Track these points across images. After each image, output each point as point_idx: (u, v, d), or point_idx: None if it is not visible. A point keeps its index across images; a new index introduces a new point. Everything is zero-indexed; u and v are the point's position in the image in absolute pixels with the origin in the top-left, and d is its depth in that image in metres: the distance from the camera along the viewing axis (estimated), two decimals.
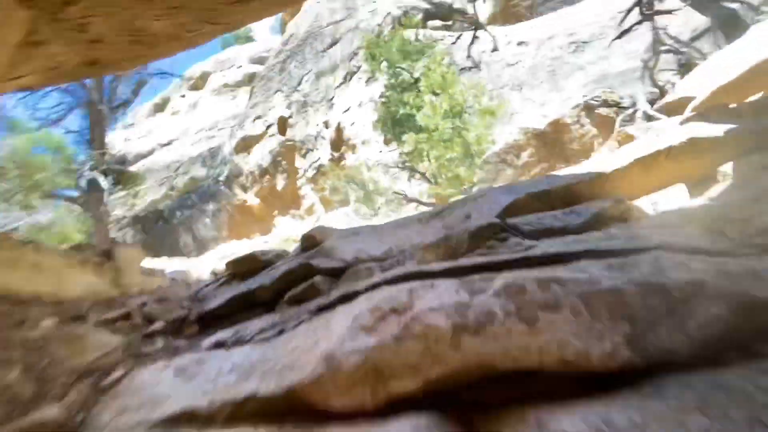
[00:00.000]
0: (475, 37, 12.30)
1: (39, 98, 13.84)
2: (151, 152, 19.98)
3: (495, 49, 12.02)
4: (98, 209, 11.61)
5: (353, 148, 12.80)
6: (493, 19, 16.82)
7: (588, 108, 4.66)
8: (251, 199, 14.31)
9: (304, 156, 13.95)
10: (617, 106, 4.61)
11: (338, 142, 13.35)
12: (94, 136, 13.22)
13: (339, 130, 13.24)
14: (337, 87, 13.56)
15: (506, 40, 12.40)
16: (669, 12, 9.93)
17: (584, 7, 12.70)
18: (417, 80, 8.55)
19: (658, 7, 10.29)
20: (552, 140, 4.78)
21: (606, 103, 4.62)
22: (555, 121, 4.74)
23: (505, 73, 11.48)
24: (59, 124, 12.30)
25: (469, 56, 11.75)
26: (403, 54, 8.05)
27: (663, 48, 10.03)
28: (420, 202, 9.41)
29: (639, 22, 10.47)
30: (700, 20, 9.84)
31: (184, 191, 16.91)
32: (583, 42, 11.53)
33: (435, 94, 5.87)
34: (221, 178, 14.92)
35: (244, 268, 2.46)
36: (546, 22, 12.86)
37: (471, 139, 5.93)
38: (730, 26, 9.03)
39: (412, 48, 8.25)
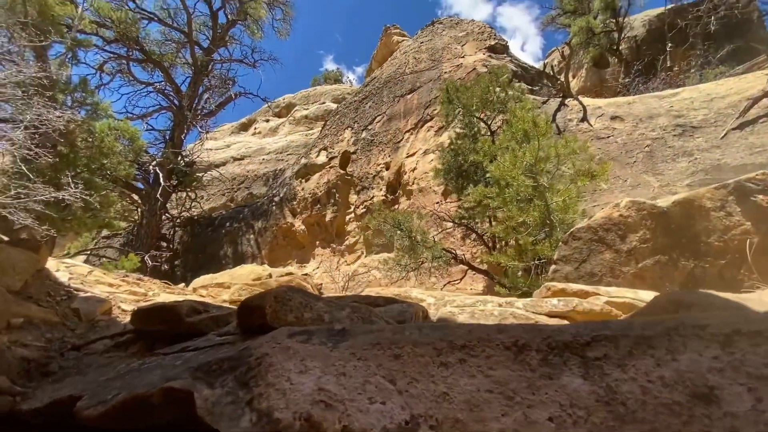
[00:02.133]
0: (562, 104, 11.16)
1: (140, 96, 14.75)
2: (223, 164, 20.63)
3: (584, 119, 10.73)
4: (152, 202, 11.53)
5: (409, 194, 11.81)
6: (583, 91, 15.70)
7: (740, 192, 3.16)
8: (298, 224, 13.69)
9: (358, 193, 13.21)
10: None
11: (395, 185, 12.47)
12: (173, 137, 13.61)
13: (399, 173, 12.41)
14: (407, 131, 12.92)
15: (598, 112, 11.09)
16: None
17: (695, 90, 11.10)
18: (493, 133, 7.44)
19: None
20: (679, 226, 3.30)
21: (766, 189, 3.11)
22: (687, 201, 3.28)
23: (593, 146, 10.07)
24: (145, 120, 12.77)
25: (553, 121, 10.56)
26: (483, 103, 7.05)
27: None
28: (471, 267, 7.95)
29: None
30: None
31: (241, 205, 16.89)
32: (693, 127, 9.91)
33: (518, 142, 4.72)
34: (276, 199, 14.59)
35: (154, 325, 1.32)
36: (647, 101, 11.39)
37: (554, 205, 4.59)
38: None
39: (495, 98, 7.23)
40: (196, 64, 13.59)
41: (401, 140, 12.99)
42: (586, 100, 11.36)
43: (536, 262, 4.72)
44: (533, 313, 1.90)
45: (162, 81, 13.48)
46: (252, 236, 13.96)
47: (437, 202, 10.82)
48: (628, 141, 10.27)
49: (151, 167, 11.34)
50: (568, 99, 11.44)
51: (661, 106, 10.63)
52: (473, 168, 7.20)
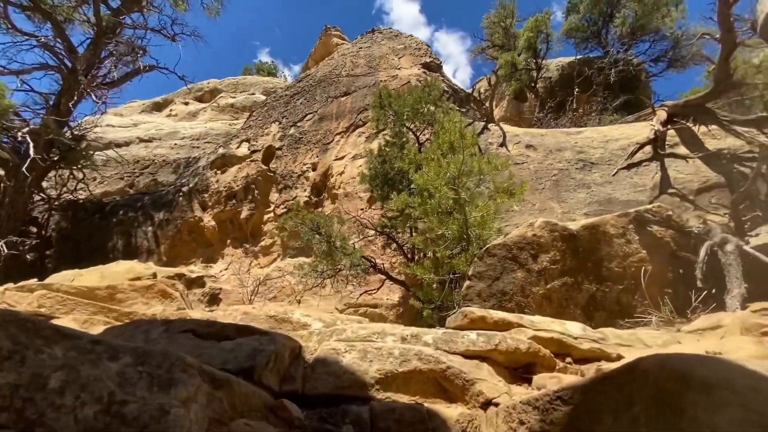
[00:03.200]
0: (485, 128, 11.71)
1: (20, 49, 12.17)
2: (127, 144, 18.05)
3: (503, 144, 11.36)
4: (19, 177, 9.44)
5: (335, 197, 11.35)
6: (503, 120, 16.84)
7: (639, 221, 3.30)
8: (207, 219, 12.34)
9: (280, 191, 12.37)
10: (679, 230, 3.30)
11: (320, 187, 11.91)
12: (58, 104, 11.43)
13: (326, 175, 11.89)
14: (338, 134, 12.48)
15: (515, 139, 11.84)
16: (683, 158, 9.50)
17: (595, 131, 12.42)
18: (421, 144, 7.36)
19: (671, 150, 9.92)
20: (586, 250, 3.35)
21: (666, 221, 3.31)
22: (594, 226, 3.35)
23: (511, 168, 10.67)
24: (21, 76, 10.54)
25: (476, 145, 10.99)
26: (414, 113, 6.94)
27: (671, 190, 9.47)
28: (388, 276, 7.72)
29: (649, 160, 10.04)
30: (711, 174, 9.37)
31: (141, 192, 14.79)
32: (591, 162, 11.00)
33: (443, 153, 4.61)
34: (185, 189, 13.02)
35: None
36: (556, 135, 12.45)
37: (473, 220, 4.53)
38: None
39: (425, 111, 7.17)
40: (99, 24, 11.63)
41: (331, 142, 12.51)
42: (506, 127, 12.06)
43: (452, 276, 4.60)
44: (446, 352, 1.56)
45: (51, 36, 11.28)
46: (150, 228, 12.22)
47: (362, 209, 10.52)
48: (539, 169, 11.07)
49: (20, 134, 9.27)
50: (491, 124, 12.04)
51: (567, 141, 11.68)
52: (399, 176, 7.02)
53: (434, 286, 4.98)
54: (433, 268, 4.77)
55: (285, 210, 11.74)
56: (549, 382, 1.45)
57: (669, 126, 10.26)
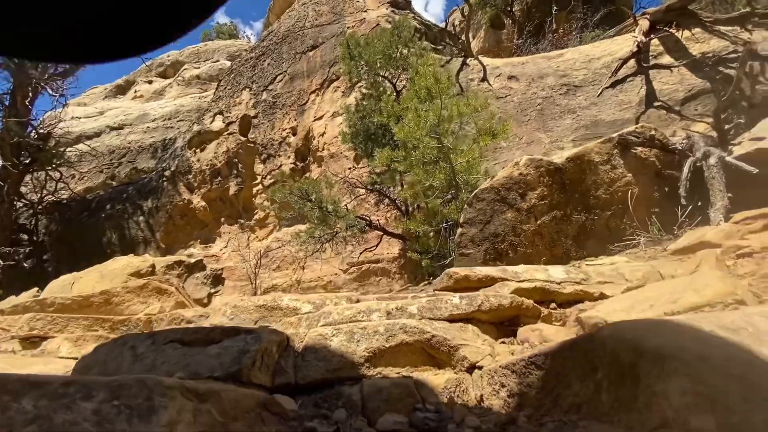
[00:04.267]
0: (464, 64, 11.21)
1: None
2: (97, 134, 17.31)
3: (484, 79, 10.95)
4: None
5: (320, 160, 11.15)
6: (482, 52, 16.12)
7: (623, 145, 3.26)
8: (197, 200, 12.18)
9: (264, 161, 12.11)
10: (663, 148, 3.27)
11: (304, 152, 11.65)
12: (14, 103, 10.79)
13: (307, 138, 11.58)
14: (312, 92, 11.96)
15: (496, 72, 11.39)
16: (668, 67, 9.22)
17: (577, 51, 11.93)
18: (399, 93, 7.08)
19: (655, 62, 9.60)
20: (572, 181, 3.34)
21: (649, 141, 3.27)
22: (578, 157, 3.32)
23: (493, 105, 10.39)
24: None
25: (456, 82, 10.60)
26: (387, 60, 6.59)
27: (656, 104, 9.30)
28: (385, 232, 7.80)
29: (634, 74, 9.75)
30: (696, 81, 9.15)
31: (124, 182, 14.44)
32: (575, 86, 10.69)
33: (421, 101, 4.43)
34: (167, 173, 12.71)
35: None
36: (537, 61, 11.98)
37: (459, 166, 4.47)
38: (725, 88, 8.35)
39: (398, 55, 6.80)
40: None
41: (307, 102, 12.03)
42: (486, 60, 11.55)
43: (445, 225, 4.64)
44: (431, 319, 1.60)
45: None
46: (141, 218, 12.10)
47: (350, 168, 10.36)
48: (523, 100, 10.78)
49: None
50: (470, 59, 11.52)
51: (549, 67, 11.26)
52: (381, 130, 6.83)
53: (430, 235, 5.04)
54: (426, 220, 4.79)
55: (272, 181, 11.57)
56: (531, 335, 1.52)
57: (652, 35, 9.84)
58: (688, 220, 3.05)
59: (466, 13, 13.00)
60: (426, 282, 4.70)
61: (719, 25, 8.99)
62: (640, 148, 3.38)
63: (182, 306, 3.53)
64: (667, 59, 9.38)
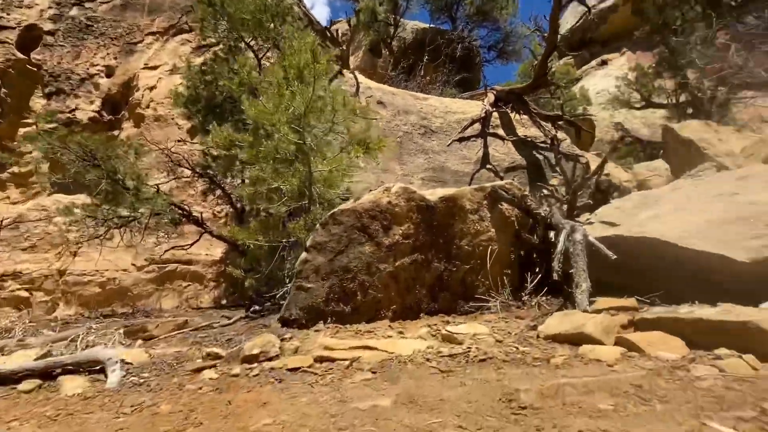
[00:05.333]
0: (339, 73, 10.59)
1: None
2: None
3: (356, 95, 10.52)
4: None
5: (140, 119, 8.46)
6: (357, 71, 16.00)
7: (493, 198, 2.99)
8: None
9: (48, 96, 8.49)
10: (526, 211, 3.14)
11: (119, 102, 8.69)
12: None
13: (129, 87, 8.70)
14: (151, 33, 9.18)
15: (368, 93, 11.17)
16: (501, 138, 10.63)
17: (439, 101, 12.84)
18: (261, 65, 5.77)
19: (493, 131, 10.97)
20: (441, 224, 2.86)
21: (518, 200, 3.08)
22: (452, 199, 2.89)
23: (358, 123, 10.03)
24: None
25: (329, 77, 9.86)
26: (256, 24, 5.25)
27: (488, 166, 10.57)
28: (207, 230, 6.10)
29: (477, 136, 10.93)
30: (517, 157, 10.82)
31: None
32: (432, 130, 11.33)
33: (289, 81, 3.36)
34: None
35: None
36: (406, 97, 12.36)
37: (319, 175, 3.56)
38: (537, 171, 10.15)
39: (271, 27, 5.55)
40: None
41: (140, 42, 9.12)
42: (362, 78, 11.23)
43: (286, 242, 3.60)
44: None
45: None
46: None
47: (179, 141, 8.13)
48: (387, 128, 10.76)
49: None
50: (346, 70, 10.96)
51: (414, 106, 11.71)
52: (230, 104, 5.34)
53: (264, 250, 3.88)
54: (263, 230, 3.64)
55: (57, 124, 8.11)
56: None
57: (494, 109, 11.32)
58: (544, 295, 2.92)
59: (353, 24, 12.50)
60: (243, 316, 3.50)
61: (540, 118, 10.94)
62: (506, 205, 3.20)
63: None
64: (501, 132, 10.88)
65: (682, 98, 11.98)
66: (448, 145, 11.10)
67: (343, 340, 2.23)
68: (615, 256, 2.35)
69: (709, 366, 1.35)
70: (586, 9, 10.65)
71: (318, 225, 3.04)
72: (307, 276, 2.95)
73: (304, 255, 3.01)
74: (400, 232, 2.99)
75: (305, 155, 3.48)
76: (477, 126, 11.07)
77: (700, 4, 9.61)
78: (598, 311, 2.12)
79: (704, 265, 2.15)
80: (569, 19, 20.84)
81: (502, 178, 10.38)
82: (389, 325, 2.65)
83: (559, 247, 2.57)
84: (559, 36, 9.36)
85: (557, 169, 9.27)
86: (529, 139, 11.44)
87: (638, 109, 14.08)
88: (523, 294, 3.00)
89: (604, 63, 19.81)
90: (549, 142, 10.87)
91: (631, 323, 1.94)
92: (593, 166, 8.91)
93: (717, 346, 1.51)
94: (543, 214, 3.06)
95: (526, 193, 3.29)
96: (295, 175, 3.68)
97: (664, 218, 2.55)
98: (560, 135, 11.19)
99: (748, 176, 2.87)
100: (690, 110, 11.57)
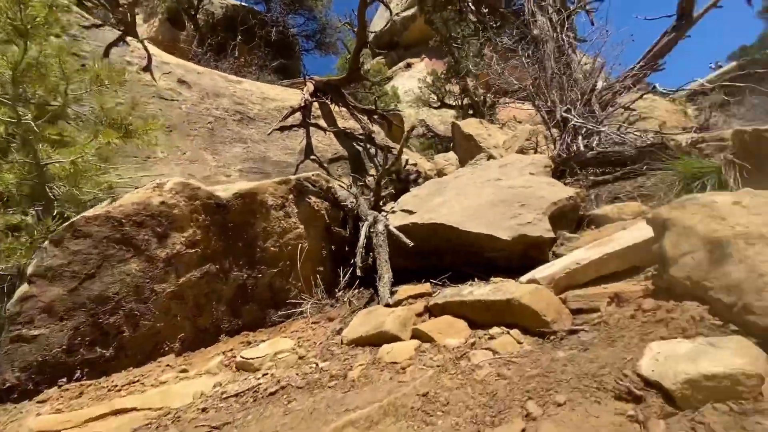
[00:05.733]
0: (123, 41, 8.39)
1: None
2: None
3: (147, 69, 8.57)
4: None
5: None
6: (153, 43, 13.28)
7: (299, 190, 2.72)
8: None
9: None
10: (334, 203, 2.97)
11: None
12: None
13: None
14: None
15: (165, 68, 9.31)
16: (323, 129, 10.61)
17: (255, 85, 11.88)
18: None
19: (315, 121, 10.85)
20: (237, 225, 2.41)
21: (324, 192, 2.88)
22: (250, 194, 2.46)
23: (155, 106, 8.24)
24: None
25: (106, 56, 7.67)
26: None
27: (312, 157, 10.43)
28: None
29: (299, 126, 10.60)
30: (339, 148, 11.04)
31: None
32: (250, 117, 10.39)
33: (20, 34, 2.10)
34: None
35: None
36: (216, 78, 10.91)
37: (58, 168, 2.50)
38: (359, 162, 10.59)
39: None
40: None
41: None
42: (155, 49, 9.22)
43: (7, 273, 2.40)
44: None
45: None
46: None
47: None
48: (193, 112, 9.25)
49: None
50: (132, 38, 8.78)
51: (227, 88, 10.44)
52: None
53: None
54: None
55: None
56: None
57: (314, 99, 11.18)
58: (356, 288, 2.80)
59: None
60: None
61: (357, 111, 11.38)
62: (314, 198, 2.95)
63: None
64: (323, 123, 10.86)
65: (466, 101, 14.59)
66: (269, 134, 10.37)
67: (77, 411, 1.52)
68: (412, 243, 2.40)
69: (484, 350, 1.41)
70: (390, 13, 11.57)
71: (47, 243, 2.09)
72: (31, 319, 1.98)
73: (23, 289, 2.01)
74: (183, 239, 2.35)
75: (25, 140, 2.36)
76: (298, 115, 10.70)
77: (473, 22, 11.75)
78: (399, 302, 2.11)
79: (480, 244, 2.40)
80: (379, 22, 22.64)
81: (327, 169, 10.37)
82: (169, 364, 2.03)
83: (361, 240, 2.48)
84: (369, 34, 9.81)
85: (374, 160, 9.82)
86: (349, 130, 11.78)
87: (436, 108, 16.45)
88: (337, 290, 2.83)
89: (408, 66, 22.27)
90: (365, 134, 11.41)
91: (426, 309, 1.98)
92: (404, 158, 9.85)
93: (492, 324, 1.63)
94: (350, 206, 2.96)
95: (332, 185, 3.12)
96: (13, 169, 2.48)
97: (450, 203, 2.80)
98: (375, 128, 11.92)
99: (507, 164, 3.47)
100: (471, 111, 14.19)
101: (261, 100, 11.13)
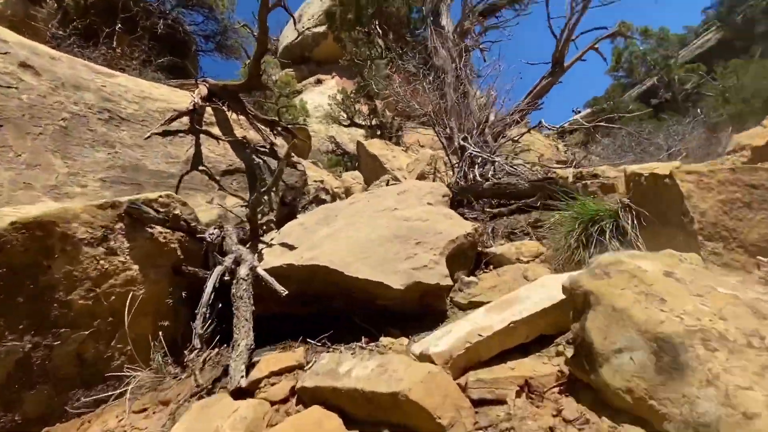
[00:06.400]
0: None
1: None
2: None
3: None
4: None
5: None
6: None
7: (134, 218, 1.98)
8: None
9: None
10: (190, 233, 2.27)
11: None
12: None
13: None
14: None
15: (2, 48, 7.31)
16: (216, 138, 9.43)
17: (134, 81, 10.16)
18: None
19: (207, 128, 9.65)
20: (18, 269, 1.58)
21: (173, 221, 2.17)
22: (42, 225, 1.67)
23: None
24: None
25: None
26: None
27: (201, 168, 9.19)
28: None
29: (186, 132, 9.28)
30: (236, 160, 9.93)
31: None
32: (122, 118, 8.73)
33: None
34: None
35: None
36: (78, 67, 9.01)
37: None
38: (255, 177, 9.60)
39: None
40: None
41: None
42: None
43: None
44: None
45: None
46: None
47: None
48: (40, 104, 7.33)
49: None
50: None
51: (93, 81, 8.62)
52: None
53: None
54: None
55: None
56: None
57: (207, 104, 9.95)
58: (217, 347, 2.11)
59: None
60: None
61: (258, 121, 10.43)
62: (159, 228, 2.20)
63: None
64: (216, 131, 9.65)
65: (374, 121, 14.65)
66: (146, 138, 8.80)
67: None
68: (286, 292, 1.87)
69: None
70: (294, 22, 11.03)
71: None
72: None
73: None
74: None
75: None
76: (186, 120, 9.34)
77: (380, 46, 11.87)
78: (258, 381, 1.55)
79: (370, 292, 1.99)
80: (290, 34, 21.86)
81: (219, 182, 9.16)
82: None
83: (206, 294, 1.85)
84: (270, 39, 9.11)
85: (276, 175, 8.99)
86: (248, 141, 10.73)
87: (346, 126, 16.23)
88: (186, 350, 2.11)
89: (319, 82, 21.86)
90: (268, 146, 10.51)
91: (292, 392, 1.46)
92: (311, 174, 9.25)
93: (377, 423, 1.19)
94: (210, 239, 2.29)
95: (192, 210, 2.42)
96: None
97: (336, 236, 2.36)
98: (279, 141, 11.11)
99: (405, 191, 3.18)
100: (379, 132, 14.27)
101: (139, 99, 9.46)
